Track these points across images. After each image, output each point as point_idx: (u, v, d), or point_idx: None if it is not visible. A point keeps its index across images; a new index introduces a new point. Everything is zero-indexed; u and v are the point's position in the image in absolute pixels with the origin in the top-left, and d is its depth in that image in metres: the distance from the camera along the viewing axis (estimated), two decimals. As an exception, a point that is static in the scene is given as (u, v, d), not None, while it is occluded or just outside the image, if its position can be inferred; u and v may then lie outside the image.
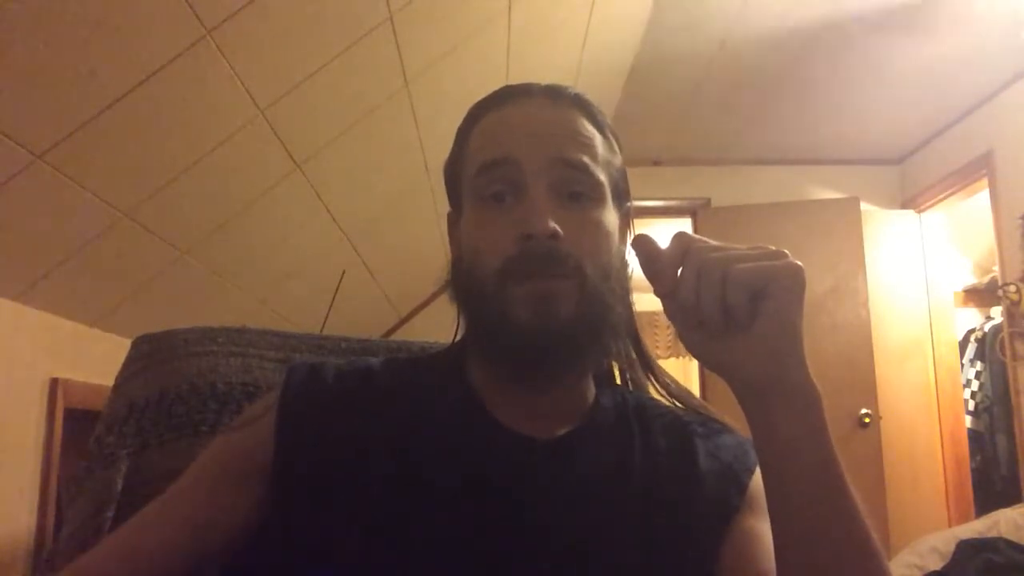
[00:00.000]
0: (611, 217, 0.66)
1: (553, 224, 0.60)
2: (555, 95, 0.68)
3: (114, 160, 1.41)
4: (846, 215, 3.58)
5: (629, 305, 0.70)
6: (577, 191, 0.64)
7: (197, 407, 0.80)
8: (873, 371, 3.45)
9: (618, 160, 0.70)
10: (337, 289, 2.39)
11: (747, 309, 0.51)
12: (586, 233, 0.63)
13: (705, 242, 0.53)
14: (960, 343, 3.84)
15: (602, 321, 0.63)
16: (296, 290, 2.58)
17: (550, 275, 0.60)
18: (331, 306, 2.34)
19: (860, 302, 3.50)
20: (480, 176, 0.65)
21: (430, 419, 0.65)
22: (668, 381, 0.76)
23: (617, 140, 0.71)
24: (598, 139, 0.68)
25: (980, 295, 4.00)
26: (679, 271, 0.53)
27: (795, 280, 0.51)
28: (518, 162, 0.63)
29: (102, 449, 0.79)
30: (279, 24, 1.42)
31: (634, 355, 0.76)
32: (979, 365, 3.74)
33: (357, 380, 0.68)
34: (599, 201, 0.65)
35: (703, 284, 0.51)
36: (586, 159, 0.65)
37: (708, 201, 3.92)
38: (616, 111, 3.24)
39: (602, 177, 0.66)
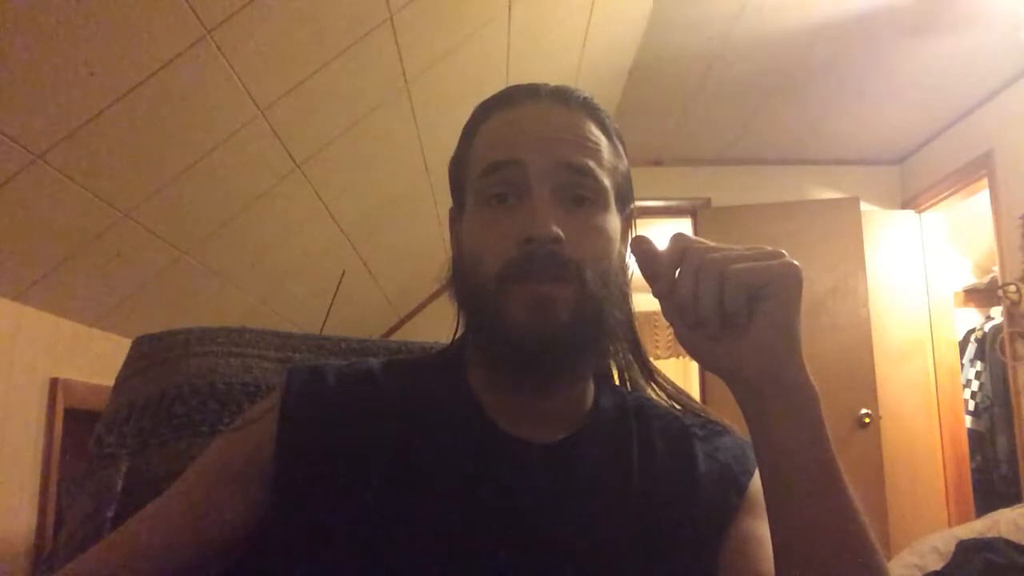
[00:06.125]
0: (614, 222, 0.66)
1: (555, 228, 0.60)
2: (563, 98, 0.68)
3: (114, 160, 1.41)
4: (846, 215, 3.59)
5: (628, 309, 0.70)
6: (581, 195, 0.64)
7: (197, 407, 0.80)
8: (873, 371, 3.45)
9: (623, 164, 0.70)
10: (337, 289, 2.39)
11: (745, 309, 0.51)
12: (588, 238, 0.63)
13: (703, 243, 0.53)
14: (960, 343, 3.84)
15: (600, 326, 0.63)
16: (296, 290, 2.58)
17: (550, 279, 0.60)
18: (331, 306, 2.35)
19: (860, 302, 3.50)
20: (484, 177, 0.65)
21: (430, 422, 0.65)
22: (667, 384, 0.76)
23: (623, 144, 0.71)
24: (604, 143, 0.67)
25: (980, 295, 4.00)
26: (677, 272, 0.53)
27: (792, 280, 0.51)
28: (523, 164, 0.63)
29: (102, 449, 0.79)
30: (279, 24, 1.42)
31: (632, 358, 0.76)
32: (979, 365, 3.74)
33: (357, 382, 0.68)
34: (603, 206, 0.65)
35: (701, 284, 0.51)
36: (591, 164, 0.64)
37: (708, 201, 3.92)
38: (616, 111, 3.24)
39: (607, 182, 0.65)
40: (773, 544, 0.54)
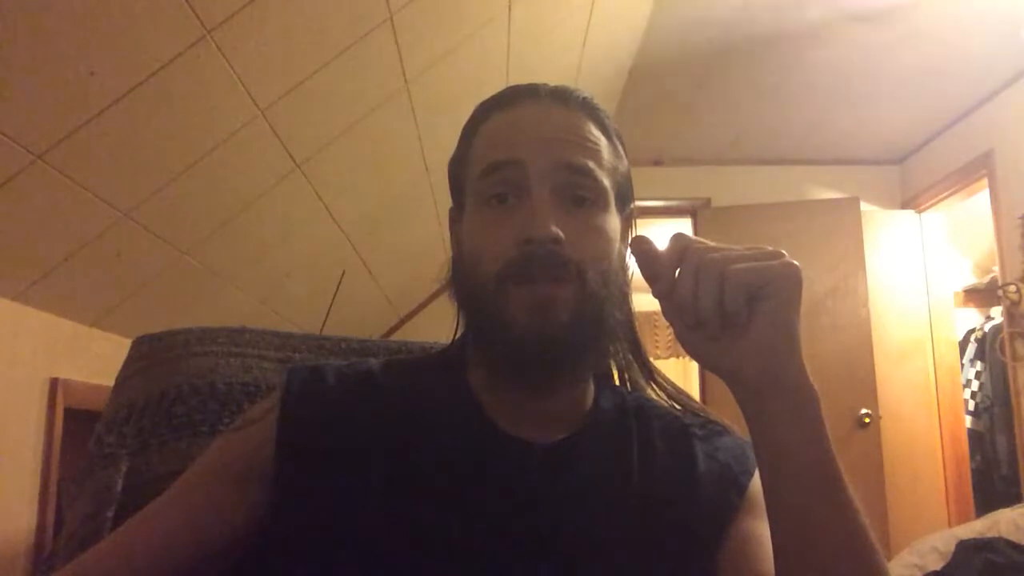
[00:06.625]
0: (614, 222, 0.66)
1: (555, 228, 0.60)
2: (563, 98, 0.68)
3: (114, 160, 1.41)
4: (846, 215, 3.58)
5: (628, 309, 0.70)
6: (581, 196, 0.64)
7: (197, 407, 0.80)
8: (873, 371, 3.45)
9: (623, 165, 0.70)
10: (337, 289, 2.39)
11: (745, 309, 0.51)
12: (588, 239, 0.63)
13: (703, 243, 0.53)
14: (960, 343, 3.84)
15: (600, 326, 0.63)
16: (296, 290, 2.58)
17: (550, 279, 0.60)
18: (331, 306, 2.35)
19: (860, 302, 3.50)
20: (484, 177, 0.65)
21: (429, 422, 0.65)
22: (667, 384, 0.76)
23: (623, 144, 0.71)
24: (604, 144, 0.67)
25: (980, 295, 4.00)
26: (677, 272, 0.53)
27: (792, 280, 0.51)
28: (523, 164, 0.63)
29: (102, 449, 0.79)
30: (279, 24, 1.42)
31: (632, 358, 0.76)
32: (979, 365, 3.74)
33: (357, 382, 0.68)
34: (603, 207, 0.65)
35: (701, 285, 0.51)
36: (591, 164, 0.64)
37: (708, 201, 3.92)
38: (616, 111, 3.24)
39: (606, 183, 0.65)
40: (773, 544, 0.54)
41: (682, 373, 5.80)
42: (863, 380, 3.42)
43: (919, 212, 3.82)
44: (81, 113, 1.25)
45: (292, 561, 0.59)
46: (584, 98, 0.69)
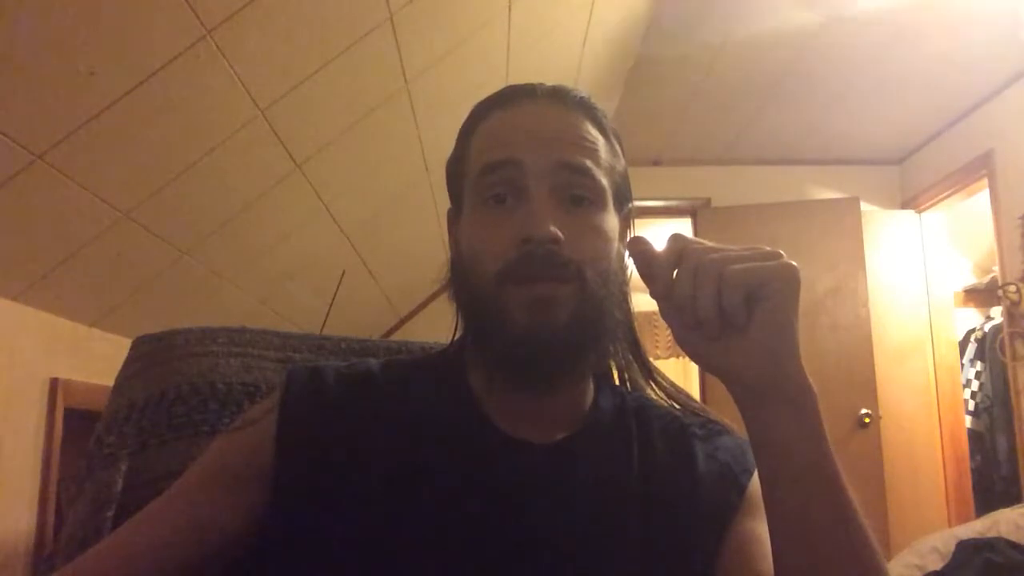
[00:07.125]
0: (612, 221, 0.66)
1: (554, 228, 0.60)
2: (560, 97, 0.68)
3: (114, 160, 1.41)
4: (846, 215, 3.59)
5: (628, 309, 0.70)
6: (579, 195, 0.64)
7: (197, 407, 0.80)
8: (873, 371, 3.45)
9: (621, 164, 0.70)
10: (337, 289, 2.39)
11: (743, 310, 0.51)
12: (586, 238, 0.63)
13: (700, 243, 0.53)
14: (960, 343, 3.84)
15: (600, 326, 0.63)
16: (296, 290, 2.58)
17: (550, 279, 0.60)
18: (331, 306, 2.34)
19: (860, 302, 3.50)
20: (482, 178, 0.65)
21: (429, 423, 0.65)
22: (666, 384, 0.76)
23: (620, 143, 0.71)
24: (601, 143, 0.67)
25: (980, 295, 4.00)
26: (675, 273, 0.53)
27: (790, 281, 0.51)
28: (521, 164, 0.63)
29: (102, 449, 0.79)
30: (279, 24, 1.42)
31: (632, 358, 0.76)
32: (979, 365, 3.74)
33: (357, 383, 0.68)
34: (601, 206, 0.65)
35: (699, 285, 0.51)
36: (589, 163, 0.64)
37: (708, 201, 3.92)
38: (616, 111, 3.24)
39: (604, 182, 0.65)
40: (772, 544, 0.54)
41: (682, 373, 5.79)
42: (863, 380, 3.42)
43: (919, 212, 3.82)
44: (81, 113, 1.25)
45: (292, 561, 0.59)
46: (581, 97, 0.69)
